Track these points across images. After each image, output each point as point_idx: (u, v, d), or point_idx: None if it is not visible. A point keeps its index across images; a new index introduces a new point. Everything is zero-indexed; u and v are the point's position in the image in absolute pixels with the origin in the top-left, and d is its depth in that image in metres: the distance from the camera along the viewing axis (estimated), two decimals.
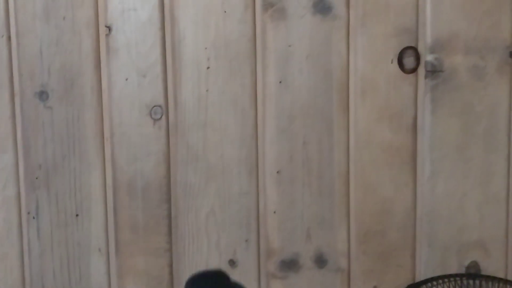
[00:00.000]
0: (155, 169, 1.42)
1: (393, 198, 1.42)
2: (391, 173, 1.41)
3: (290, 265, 1.44)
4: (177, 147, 1.41)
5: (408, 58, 1.39)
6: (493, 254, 1.44)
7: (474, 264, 1.44)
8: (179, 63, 1.39)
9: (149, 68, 1.39)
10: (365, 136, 1.40)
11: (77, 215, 1.43)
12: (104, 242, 1.44)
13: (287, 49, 1.39)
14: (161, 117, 1.40)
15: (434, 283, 1.36)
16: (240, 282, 1.16)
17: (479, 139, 1.41)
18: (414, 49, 1.38)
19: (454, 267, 1.43)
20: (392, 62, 1.39)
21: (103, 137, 1.41)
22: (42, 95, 1.40)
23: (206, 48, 1.39)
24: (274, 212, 1.43)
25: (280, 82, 1.39)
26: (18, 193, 1.42)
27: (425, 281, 1.37)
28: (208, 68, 1.39)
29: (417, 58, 1.38)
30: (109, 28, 1.38)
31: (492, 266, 1.44)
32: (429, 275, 1.40)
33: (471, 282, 1.37)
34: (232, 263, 1.43)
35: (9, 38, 1.39)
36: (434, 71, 1.39)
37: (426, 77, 1.39)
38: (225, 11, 1.38)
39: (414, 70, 1.39)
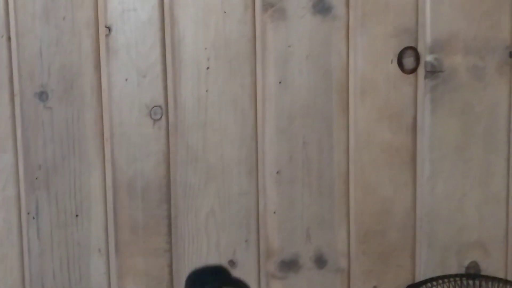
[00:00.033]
0: (155, 169, 1.42)
1: (393, 198, 1.42)
2: (391, 173, 1.41)
3: (290, 265, 1.44)
4: (177, 147, 1.41)
5: (407, 58, 1.39)
6: (493, 254, 1.44)
7: (474, 264, 1.44)
8: (179, 63, 1.39)
9: (149, 69, 1.39)
10: (365, 136, 1.40)
11: (77, 215, 1.43)
12: (104, 242, 1.44)
13: (287, 49, 1.39)
14: (161, 117, 1.40)
15: (434, 283, 1.36)
16: (241, 278, 1.16)
17: (478, 139, 1.41)
18: (414, 49, 1.38)
19: (454, 267, 1.43)
20: (392, 62, 1.39)
21: (103, 138, 1.41)
22: (42, 95, 1.40)
23: (206, 48, 1.39)
24: (274, 212, 1.43)
25: (280, 82, 1.39)
26: (18, 193, 1.42)
27: (425, 281, 1.37)
28: (208, 68, 1.39)
29: (417, 58, 1.38)
30: (109, 28, 1.38)
31: (492, 266, 1.44)
32: (429, 275, 1.40)
33: (471, 282, 1.37)
34: (232, 263, 1.43)
35: (9, 38, 1.39)
36: (433, 71, 1.39)
37: (425, 77, 1.39)
38: (225, 11, 1.38)
39: (413, 70, 1.39)
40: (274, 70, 1.39)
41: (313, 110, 1.40)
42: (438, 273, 1.41)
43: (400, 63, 1.39)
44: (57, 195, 1.43)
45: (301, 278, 1.44)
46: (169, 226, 1.43)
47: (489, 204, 1.43)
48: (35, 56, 1.39)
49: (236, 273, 1.43)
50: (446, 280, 1.37)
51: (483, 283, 1.36)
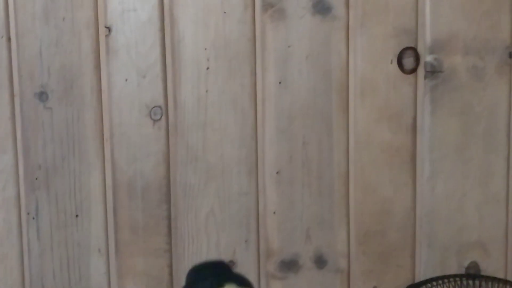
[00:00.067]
0: (155, 170, 1.42)
1: (392, 198, 1.42)
2: (391, 174, 1.41)
3: (289, 265, 1.44)
4: (177, 147, 1.41)
5: (407, 59, 1.39)
6: (492, 255, 1.44)
7: (474, 265, 1.44)
8: (179, 64, 1.39)
9: (149, 69, 1.39)
10: (365, 137, 1.40)
11: (77, 215, 1.43)
12: (104, 242, 1.44)
13: (286, 49, 1.39)
14: (160, 117, 1.40)
15: (434, 283, 1.36)
16: (242, 274, 1.16)
17: (478, 139, 1.41)
18: (414, 50, 1.38)
19: (453, 268, 1.43)
20: (391, 63, 1.39)
21: (103, 138, 1.41)
22: (42, 95, 1.40)
23: (205, 49, 1.39)
24: (274, 212, 1.43)
25: (280, 82, 1.39)
26: (18, 194, 1.42)
27: (424, 282, 1.37)
28: (207, 68, 1.39)
29: (417, 58, 1.38)
30: (108, 28, 1.39)
31: (492, 266, 1.44)
32: (429, 275, 1.40)
33: (470, 282, 1.37)
34: (231, 263, 1.43)
35: (9, 39, 1.39)
36: (433, 72, 1.39)
37: (425, 77, 1.39)
38: (225, 12, 1.38)
39: (413, 70, 1.39)
40: (274, 70, 1.39)
41: (313, 110, 1.40)
42: (438, 273, 1.41)
43: (400, 63, 1.39)
44: (57, 195, 1.43)
45: (301, 278, 1.44)
46: (169, 226, 1.43)
47: (489, 204, 1.43)
48: (35, 56, 1.39)
49: None
50: (446, 280, 1.37)
51: (483, 283, 1.36)
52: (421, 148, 1.40)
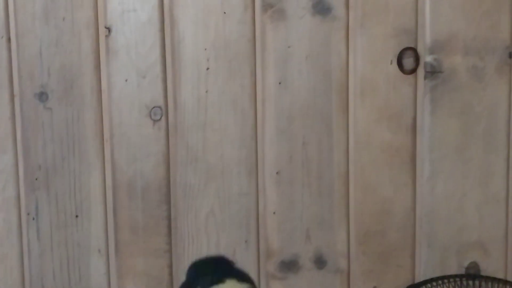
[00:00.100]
0: (155, 170, 1.42)
1: (392, 198, 1.42)
2: (391, 174, 1.41)
3: (289, 265, 1.44)
4: (177, 147, 1.41)
5: (407, 59, 1.39)
6: (492, 255, 1.44)
7: (474, 265, 1.44)
8: (179, 64, 1.39)
9: (149, 69, 1.39)
10: (365, 137, 1.40)
11: (76, 216, 1.43)
12: (103, 242, 1.44)
13: (286, 50, 1.39)
14: (160, 118, 1.40)
15: (434, 283, 1.36)
16: (243, 269, 1.16)
17: (478, 139, 1.41)
18: (414, 50, 1.38)
19: (453, 268, 1.43)
20: (391, 63, 1.39)
21: (103, 138, 1.41)
22: (42, 96, 1.40)
23: (205, 49, 1.39)
24: (274, 212, 1.43)
25: (280, 82, 1.39)
26: (18, 194, 1.42)
27: (424, 282, 1.37)
28: (207, 69, 1.39)
29: (417, 58, 1.38)
30: (108, 29, 1.39)
31: (492, 266, 1.44)
32: (429, 275, 1.40)
33: (470, 282, 1.37)
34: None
35: (8, 39, 1.39)
36: (433, 72, 1.39)
37: (425, 77, 1.39)
38: (225, 12, 1.38)
39: (413, 70, 1.39)
40: (273, 71, 1.39)
41: (313, 110, 1.40)
42: (438, 273, 1.41)
43: (399, 64, 1.39)
44: (57, 195, 1.43)
45: (300, 278, 1.44)
46: (169, 226, 1.43)
47: (489, 204, 1.43)
48: (35, 56, 1.39)
49: None
50: (446, 280, 1.37)
51: (483, 284, 1.36)
52: (421, 148, 1.40)
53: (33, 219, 1.43)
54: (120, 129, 1.41)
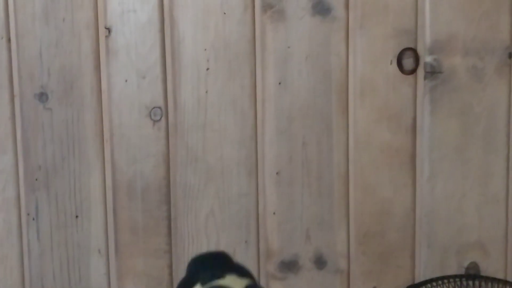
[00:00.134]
0: (155, 170, 1.42)
1: (392, 198, 1.42)
2: (391, 174, 1.41)
3: (289, 266, 1.44)
4: (177, 148, 1.41)
5: (407, 59, 1.39)
6: (492, 255, 1.44)
7: (474, 265, 1.44)
8: (179, 65, 1.39)
9: (149, 70, 1.40)
10: (365, 137, 1.40)
11: (76, 216, 1.43)
12: (103, 243, 1.44)
13: (286, 50, 1.39)
14: (160, 118, 1.41)
15: (434, 284, 1.36)
16: (243, 264, 1.15)
17: (478, 140, 1.41)
18: (413, 50, 1.38)
19: (453, 268, 1.43)
20: (391, 63, 1.39)
21: (103, 138, 1.41)
22: (42, 96, 1.40)
23: (205, 50, 1.39)
24: (274, 213, 1.43)
25: (280, 83, 1.39)
26: (18, 195, 1.43)
27: (424, 282, 1.37)
28: (207, 69, 1.39)
29: (416, 59, 1.38)
30: (108, 29, 1.39)
31: (492, 267, 1.44)
32: (429, 275, 1.40)
33: (470, 283, 1.37)
34: None
35: (8, 40, 1.39)
36: (433, 72, 1.39)
37: (425, 78, 1.39)
38: (225, 13, 1.38)
39: (413, 71, 1.39)
40: (273, 71, 1.39)
41: (312, 110, 1.40)
42: (438, 273, 1.41)
43: (399, 64, 1.39)
44: (57, 196, 1.43)
45: (300, 278, 1.44)
46: (169, 227, 1.43)
47: (489, 205, 1.43)
48: (35, 57, 1.40)
49: None
50: (445, 280, 1.37)
51: (483, 284, 1.36)
52: (420, 148, 1.41)
53: (33, 219, 1.43)
54: (120, 129, 1.41)
